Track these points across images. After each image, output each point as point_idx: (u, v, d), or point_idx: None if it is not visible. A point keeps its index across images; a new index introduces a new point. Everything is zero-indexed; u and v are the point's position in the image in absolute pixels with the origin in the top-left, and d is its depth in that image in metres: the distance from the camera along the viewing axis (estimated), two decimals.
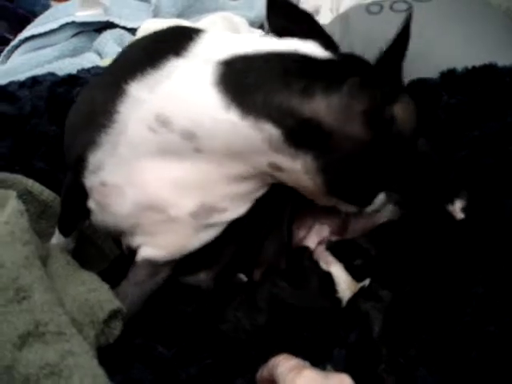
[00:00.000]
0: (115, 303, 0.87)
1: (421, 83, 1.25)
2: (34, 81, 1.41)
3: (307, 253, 1.02)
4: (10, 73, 1.71)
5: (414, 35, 1.35)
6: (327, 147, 0.81)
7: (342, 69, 0.82)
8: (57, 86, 1.37)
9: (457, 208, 1.02)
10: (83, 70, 1.48)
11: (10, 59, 1.91)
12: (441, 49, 1.33)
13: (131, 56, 0.92)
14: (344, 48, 1.45)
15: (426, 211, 1.02)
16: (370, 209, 0.94)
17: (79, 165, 0.89)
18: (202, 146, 0.83)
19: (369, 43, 1.40)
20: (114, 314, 0.87)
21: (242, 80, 0.80)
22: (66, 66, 1.66)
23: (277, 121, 0.79)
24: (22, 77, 1.48)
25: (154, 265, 0.96)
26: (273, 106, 0.79)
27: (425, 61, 1.29)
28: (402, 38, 0.78)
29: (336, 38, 1.45)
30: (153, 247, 0.94)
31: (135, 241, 0.95)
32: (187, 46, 0.84)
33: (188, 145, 0.83)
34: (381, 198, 0.93)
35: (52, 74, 1.45)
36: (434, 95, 1.21)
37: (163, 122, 0.82)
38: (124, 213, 0.90)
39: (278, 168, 0.85)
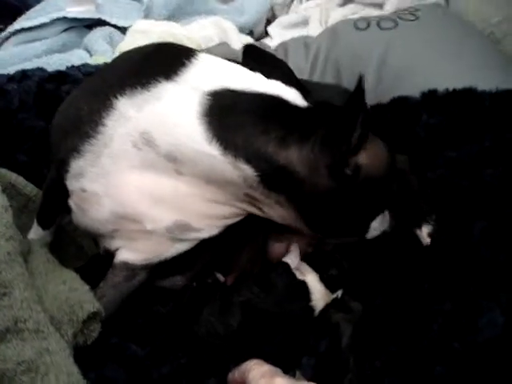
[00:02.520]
0: (95, 305, 0.89)
1: (402, 101, 1.28)
2: (23, 75, 1.41)
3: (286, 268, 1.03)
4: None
5: (398, 53, 1.40)
6: (299, 192, 0.86)
7: (314, 119, 0.86)
8: (45, 81, 1.38)
9: (424, 233, 1.06)
10: (73, 67, 1.48)
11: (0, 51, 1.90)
12: (424, 68, 1.36)
13: (122, 69, 0.92)
14: (331, 61, 1.50)
15: (396, 233, 1.04)
16: (369, 236, 0.98)
17: (62, 168, 0.91)
18: (182, 169, 0.86)
19: (355, 58, 1.47)
20: (93, 316, 0.89)
21: (226, 117, 0.83)
22: (55, 62, 1.65)
23: (253, 163, 0.84)
24: (10, 70, 1.48)
25: (131, 268, 0.98)
26: (251, 150, 0.83)
27: (407, 79, 1.35)
28: (358, 93, 0.80)
29: (323, 51, 1.52)
30: (130, 251, 0.96)
31: (113, 244, 0.97)
32: (178, 70, 0.86)
33: (170, 165, 0.86)
34: (376, 224, 0.96)
35: (41, 69, 1.45)
36: (414, 113, 1.24)
37: (148, 141, 0.85)
38: (102, 219, 0.92)
39: (255, 199, 0.89)
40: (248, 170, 0.84)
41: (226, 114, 0.84)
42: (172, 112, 0.84)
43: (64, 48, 1.86)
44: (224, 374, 0.87)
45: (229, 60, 0.93)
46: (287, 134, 0.84)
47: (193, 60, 0.87)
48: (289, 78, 0.92)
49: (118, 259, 0.98)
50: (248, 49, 0.96)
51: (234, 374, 0.84)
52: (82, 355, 0.86)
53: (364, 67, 1.40)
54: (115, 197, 0.89)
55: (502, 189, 1.08)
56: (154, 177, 0.87)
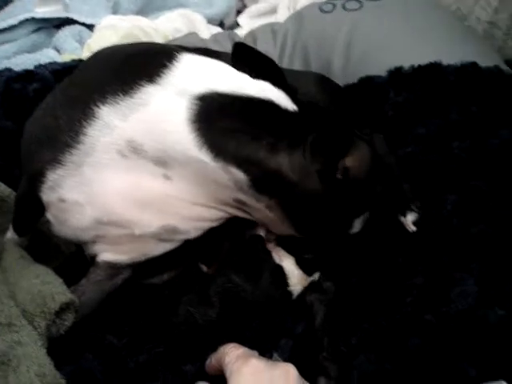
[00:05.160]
0: (68, 295, 0.88)
1: (369, 81, 1.28)
2: None
3: (261, 243, 1.02)
4: None
5: (364, 33, 1.40)
6: (289, 196, 0.87)
7: (303, 125, 0.87)
8: (12, 81, 1.36)
9: (409, 221, 1.05)
10: (40, 65, 1.46)
11: None
12: (390, 46, 1.36)
13: (100, 73, 0.88)
14: (299, 46, 1.49)
15: (379, 220, 1.05)
16: (352, 232, 0.98)
17: (36, 179, 0.87)
18: (171, 174, 0.85)
19: (322, 41, 1.47)
20: (66, 306, 0.88)
21: (215, 123, 0.82)
22: (24, 62, 1.63)
23: (244, 168, 0.83)
24: None
25: (115, 267, 0.97)
26: (242, 155, 0.83)
27: (375, 59, 1.34)
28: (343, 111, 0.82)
29: (291, 36, 1.52)
30: (115, 253, 0.94)
31: (96, 249, 0.95)
32: (161, 72, 0.83)
33: (158, 170, 0.85)
34: (358, 220, 0.98)
35: (8, 70, 1.43)
36: (381, 93, 1.25)
37: (135, 149, 0.83)
38: (83, 227, 0.90)
39: (243, 203, 0.89)
40: (239, 175, 0.84)
41: (216, 119, 0.82)
42: (160, 119, 0.82)
43: (33, 48, 1.84)
44: (202, 360, 0.87)
45: (202, 50, 0.92)
46: (277, 140, 0.84)
47: (174, 62, 0.85)
48: (277, 78, 0.91)
49: (100, 259, 0.96)
50: (237, 47, 0.93)
51: (211, 360, 0.84)
52: (59, 348, 0.86)
53: (331, 49, 1.40)
54: (99, 205, 0.86)
55: (471, 161, 1.09)
56: (140, 182, 0.85)
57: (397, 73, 1.26)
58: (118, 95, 0.82)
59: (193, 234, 0.94)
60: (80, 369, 0.86)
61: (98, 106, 0.82)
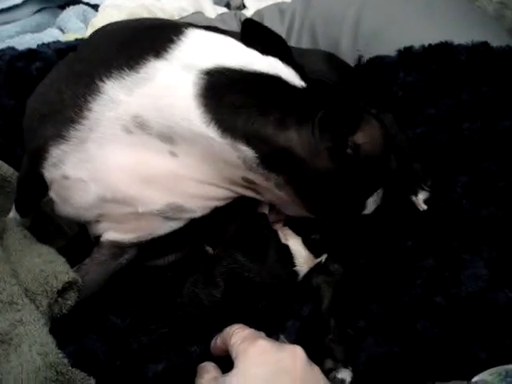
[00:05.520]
0: (70, 274, 0.87)
1: (378, 61, 1.26)
2: None
3: (265, 220, 1.01)
4: None
5: (373, 12, 1.38)
6: (299, 173, 0.85)
7: (312, 101, 0.84)
8: (15, 60, 1.35)
9: (420, 200, 1.04)
10: (43, 44, 1.45)
11: None
12: (399, 25, 1.34)
13: (105, 49, 0.87)
14: (306, 25, 1.47)
15: (390, 200, 1.03)
16: (365, 213, 0.97)
17: (39, 156, 0.86)
18: (177, 150, 0.84)
19: (330, 20, 1.43)
20: (69, 286, 0.87)
21: (223, 98, 0.80)
22: (27, 41, 1.63)
23: (253, 144, 0.82)
24: None
25: (119, 246, 0.96)
26: (251, 131, 0.81)
27: (383, 39, 1.32)
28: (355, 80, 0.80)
29: (298, 16, 1.49)
30: (119, 232, 0.93)
31: (100, 228, 0.94)
32: (168, 47, 0.82)
33: (164, 147, 0.83)
34: (372, 200, 0.96)
35: (12, 49, 1.42)
36: (390, 72, 1.23)
37: (140, 124, 0.82)
38: (87, 205, 0.89)
39: (252, 182, 0.87)
40: (248, 152, 0.82)
41: (224, 94, 0.81)
42: (166, 94, 0.80)
43: (37, 29, 1.84)
44: (207, 342, 0.86)
45: (210, 28, 0.90)
46: (286, 115, 0.82)
47: (182, 37, 0.84)
48: (286, 54, 0.89)
49: (105, 238, 0.95)
50: (246, 24, 0.92)
51: (217, 341, 0.83)
52: (62, 328, 0.85)
53: (339, 28, 1.38)
54: (103, 181, 0.85)
55: (481, 142, 1.07)
56: (145, 158, 0.84)
57: (406, 52, 1.23)
58: (124, 70, 0.80)
59: (199, 213, 0.92)
60: (83, 349, 0.85)
61: (102, 81, 0.81)
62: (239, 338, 0.77)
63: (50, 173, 0.88)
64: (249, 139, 0.81)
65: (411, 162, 1.08)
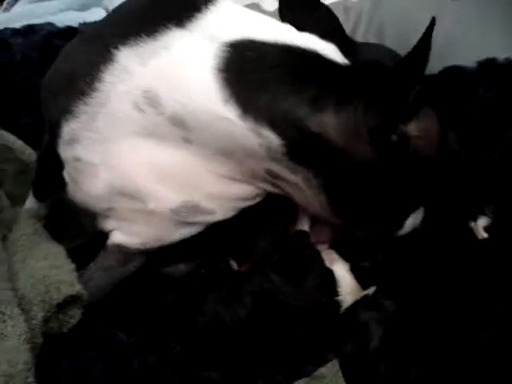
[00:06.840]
0: (75, 287, 0.80)
1: (455, 71, 1.14)
2: (30, 29, 1.34)
3: (306, 239, 0.94)
4: (9, 22, 1.60)
5: (451, 20, 1.25)
6: (332, 166, 0.77)
7: (357, 80, 0.75)
8: (53, 36, 1.31)
9: (479, 226, 0.94)
10: (85, 23, 1.38)
11: (14, 7, 1.84)
12: (479, 34, 1.22)
13: (126, 14, 0.83)
14: (374, 26, 1.36)
15: (446, 225, 0.94)
16: (400, 233, 0.89)
17: (54, 133, 0.82)
18: (191, 136, 0.77)
19: (402, 25, 1.32)
20: (72, 300, 0.79)
21: (247, 73, 0.74)
22: (70, 19, 1.55)
23: (279, 129, 0.74)
24: (19, 25, 1.40)
25: (125, 252, 0.89)
26: (277, 112, 0.73)
27: (461, 46, 1.20)
28: (423, 44, 0.69)
29: (365, 15, 1.39)
30: (126, 234, 0.88)
31: (108, 224, 0.88)
32: (192, 16, 0.76)
33: (177, 132, 0.77)
34: (411, 221, 0.87)
35: (51, 24, 1.37)
36: (469, 86, 1.10)
37: (151, 101, 0.75)
38: (96, 194, 0.84)
39: (277, 176, 0.80)
40: (272, 138, 0.74)
41: (247, 69, 0.74)
42: (181, 64, 0.74)
43: (82, 7, 1.79)
44: (223, 367, 0.81)
45: None
46: (323, 93, 0.73)
47: (210, 6, 0.77)
48: (332, 30, 0.82)
49: (111, 241, 0.89)
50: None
51: None
52: (60, 340, 0.80)
53: (412, 33, 1.26)
54: (113, 167, 0.81)
55: None
56: (157, 145, 0.79)
57: (488, 65, 1.10)
58: (141, 36, 0.75)
59: (219, 216, 0.85)
60: (77, 367, 0.79)
61: (117, 48, 0.76)
62: None
63: (64, 152, 0.84)
64: (274, 122, 0.73)
65: (471, 178, 0.98)
